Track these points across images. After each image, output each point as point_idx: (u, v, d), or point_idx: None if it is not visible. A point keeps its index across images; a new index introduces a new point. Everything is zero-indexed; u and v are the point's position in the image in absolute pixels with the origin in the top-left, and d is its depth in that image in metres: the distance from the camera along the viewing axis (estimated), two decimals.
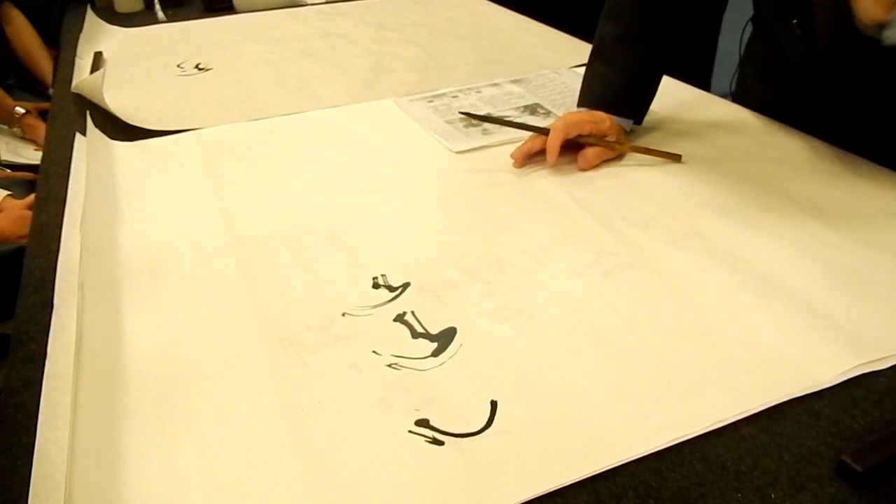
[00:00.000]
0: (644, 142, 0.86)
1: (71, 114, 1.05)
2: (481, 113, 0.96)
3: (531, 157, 0.83)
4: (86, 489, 0.43)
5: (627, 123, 0.86)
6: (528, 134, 0.84)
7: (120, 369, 0.53)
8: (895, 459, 0.43)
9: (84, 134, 0.93)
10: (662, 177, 0.79)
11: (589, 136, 0.81)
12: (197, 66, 1.25)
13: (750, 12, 0.93)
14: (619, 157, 0.84)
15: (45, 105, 1.70)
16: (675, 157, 0.82)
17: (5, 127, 1.74)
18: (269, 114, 1.01)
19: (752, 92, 0.97)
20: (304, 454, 0.46)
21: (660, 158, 0.82)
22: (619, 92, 0.85)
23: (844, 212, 0.70)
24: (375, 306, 0.60)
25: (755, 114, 0.94)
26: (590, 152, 0.81)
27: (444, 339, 0.56)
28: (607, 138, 0.82)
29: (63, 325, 0.57)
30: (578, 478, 0.43)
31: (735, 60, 0.98)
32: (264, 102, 1.06)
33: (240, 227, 0.72)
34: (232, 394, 0.51)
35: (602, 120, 0.82)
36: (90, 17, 1.57)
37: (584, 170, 0.82)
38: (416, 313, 0.59)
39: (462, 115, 0.95)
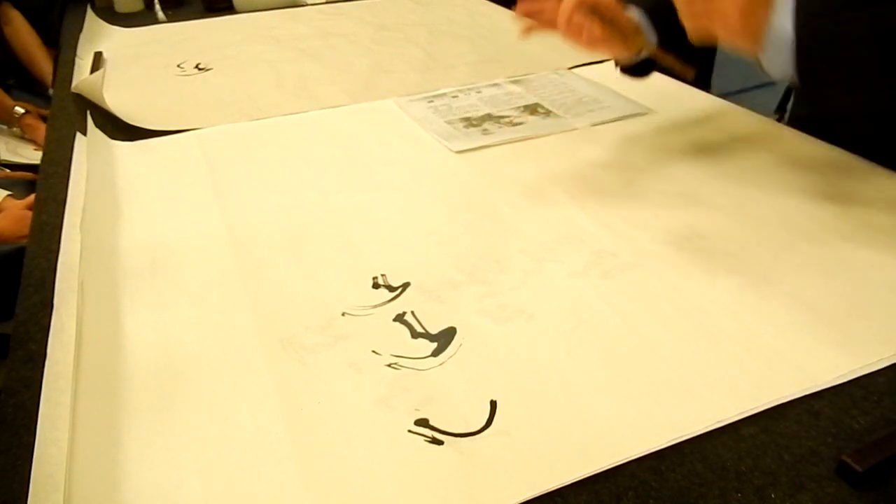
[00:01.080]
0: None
1: (71, 114, 1.05)
2: (481, 113, 0.96)
3: (541, 25, 0.78)
4: (86, 489, 0.43)
5: (649, 32, 0.79)
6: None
7: (120, 369, 0.53)
8: (895, 459, 0.43)
9: (84, 134, 0.93)
10: (663, 177, 0.79)
11: (606, 10, 0.74)
12: (197, 66, 1.24)
13: None
14: (629, 51, 0.77)
15: (44, 111, 1.70)
16: (688, 71, 0.76)
17: (5, 127, 1.74)
18: (269, 114, 1.01)
19: (797, 104, 0.95)
20: (303, 454, 0.46)
21: (674, 65, 0.75)
22: None
23: (844, 212, 0.70)
24: (375, 306, 0.60)
25: (755, 114, 0.94)
26: (598, 30, 0.74)
27: (444, 338, 0.56)
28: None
29: (63, 325, 0.57)
30: (578, 478, 0.43)
31: (733, 60, 0.98)
32: (264, 102, 1.06)
33: (240, 227, 0.72)
34: (232, 393, 0.51)
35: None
36: (90, 17, 1.56)
37: (586, 50, 0.76)
38: (416, 313, 0.59)
39: (462, 116, 0.95)
